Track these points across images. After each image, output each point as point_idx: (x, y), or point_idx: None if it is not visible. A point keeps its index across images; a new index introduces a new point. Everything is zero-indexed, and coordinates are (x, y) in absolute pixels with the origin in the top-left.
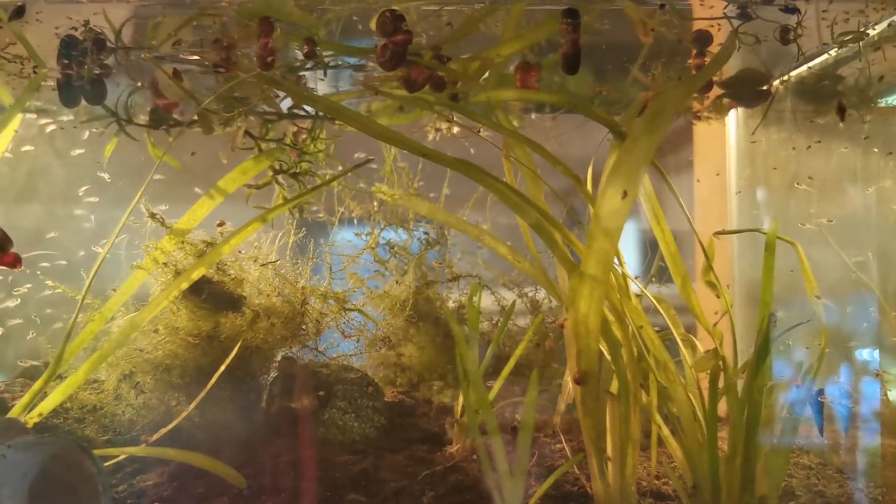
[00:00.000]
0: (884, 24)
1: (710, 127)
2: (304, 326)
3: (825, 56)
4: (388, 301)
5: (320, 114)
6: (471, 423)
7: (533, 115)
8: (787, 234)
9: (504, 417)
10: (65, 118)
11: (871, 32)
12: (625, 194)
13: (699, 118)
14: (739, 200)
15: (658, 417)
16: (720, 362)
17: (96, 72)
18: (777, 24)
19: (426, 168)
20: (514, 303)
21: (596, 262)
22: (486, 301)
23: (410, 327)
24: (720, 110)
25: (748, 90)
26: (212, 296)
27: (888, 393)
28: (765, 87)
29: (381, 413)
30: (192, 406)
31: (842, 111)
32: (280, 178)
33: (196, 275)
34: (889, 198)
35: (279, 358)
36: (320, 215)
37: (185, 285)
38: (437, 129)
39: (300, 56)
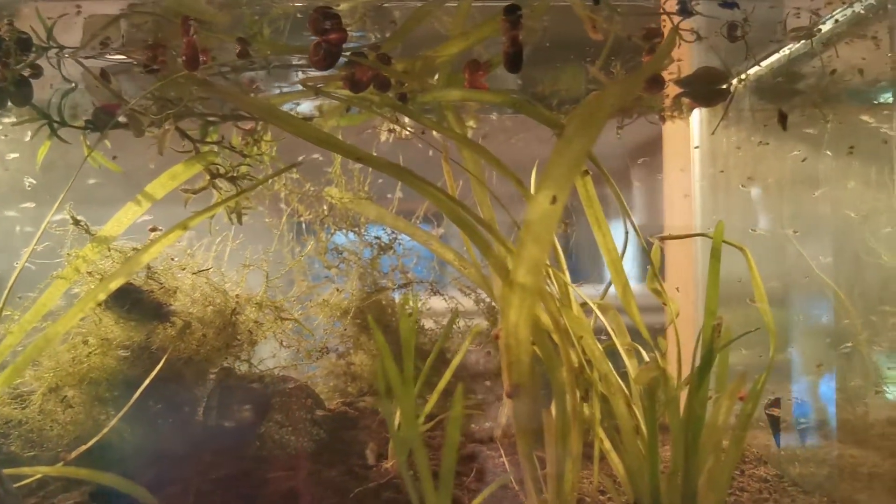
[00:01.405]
0: (838, 17)
1: (677, 126)
2: (238, 337)
3: (783, 53)
4: (327, 310)
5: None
6: (402, 439)
7: (494, 115)
8: (749, 232)
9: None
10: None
11: (823, 28)
12: (554, 199)
13: (663, 118)
14: (703, 200)
15: (601, 431)
16: (661, 374)
17: (25, 73)
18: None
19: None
20: (455, 311)
21: (526, 270)
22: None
23: (361, 334)
24: (683, 109)
25: (706, 89)
26: (136, 306)
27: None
28: (724, 86)
29: (319, 426)
30: (114, 421)
31: (783, 119)
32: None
33: (114, 284)
34: (847, 198)
35: (217, 369)
36: (267, 220)
37: (102, 296)
38: (390, 131)
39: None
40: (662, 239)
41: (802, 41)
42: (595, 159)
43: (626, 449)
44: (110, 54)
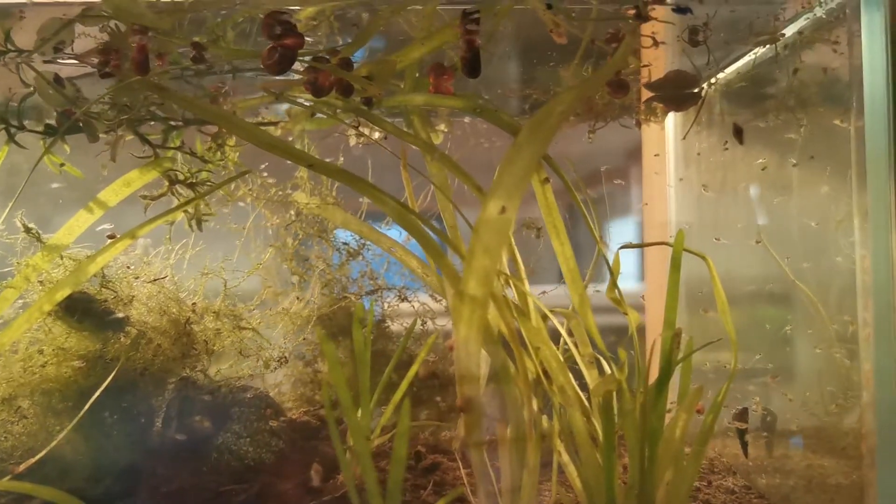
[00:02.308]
0: (796, 26)
1: (654, 129)
2: (195, 347)
3: (750, 57)
4: (287, 319)
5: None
6: (359, 451)
7: (466, 119)
8: (721, 236)
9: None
10: None
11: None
12: (503, 209)
13: (639, 122)
14: (676, 203)
15: (559, 443)
16: (617, 387)
17: None
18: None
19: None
20: (414, 322)
21: (476, 281)
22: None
23: (329, 342)
24: (657, 113)
25: (677, 93)
26: (86, 315)
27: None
28: (695, 90)
29: (279, 436)
30: (63, 432)
31: (738, 133)
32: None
33: (60, 294)
34: (820, 204)
35: (176, 379)
36: (234, 225)
37: (47, 306)
38: (359, 135)
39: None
40: (622, 247)
41: (767, 45)
42: (555, 165)
43: (583, 462)
44: (62, 59)
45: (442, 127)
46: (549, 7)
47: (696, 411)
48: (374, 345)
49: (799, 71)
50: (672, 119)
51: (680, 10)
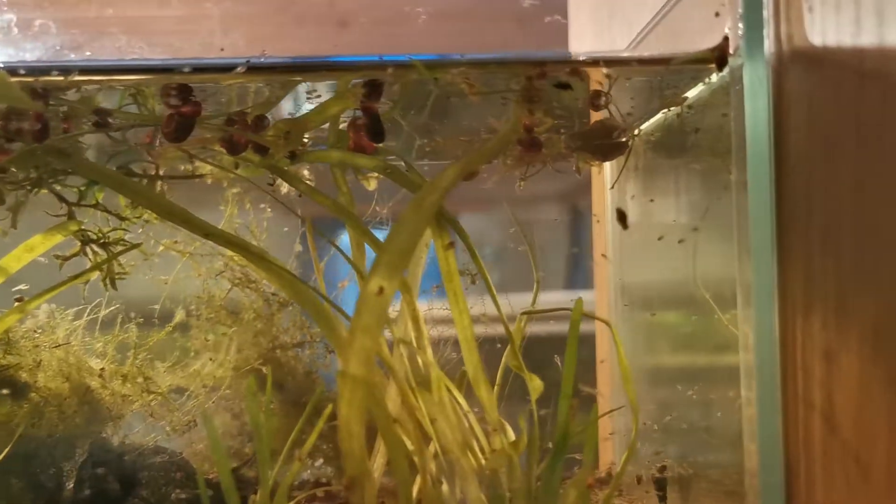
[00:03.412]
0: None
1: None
2: (101, 411)
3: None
4: (198, 380)
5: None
6: None
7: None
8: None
9: None
10: None
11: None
12: (381, 290)
13: (579, 169)
14: (614, 246)
15: None
16: (508, 461)
17: None
18: None
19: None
20: (322, 386)
21: (357, 361)
22: None
23: (259, 392)
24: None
25: (603, 143)
26: None
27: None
28: (622, 139)
29: (189, 501)
30: None
31: (622, 218)
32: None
33: None
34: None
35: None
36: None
37: None
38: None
39: None
40: (524, 313)
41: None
42: (461, 231)
43: None
44: None
45: (372, 185)
46: (436, 80)
47: (588, 486)
48: (303, 397)
49: (700, 131)
50: (608, 166)
51: (561, 86)
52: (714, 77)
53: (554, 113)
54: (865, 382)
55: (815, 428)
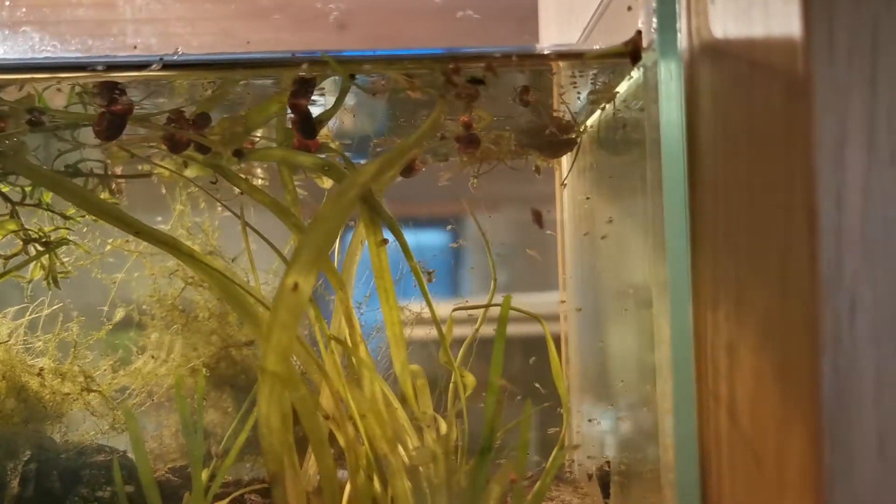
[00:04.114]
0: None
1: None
2: (39, 410)
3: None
4: (140, 379)
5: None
6: None
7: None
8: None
9: None
10: None
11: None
12: (296, 286)
13: (538, 168)
14: (569, 242)
15: None
16: (432, 457)
17: None
18: None
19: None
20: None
21: (275, 357)
22: None
23: (212, 391)
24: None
25: (551, 139)
26: None
27: None
28: (570, 136)
29: (131, 500)
30: None
31: (537, 218)
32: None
33: None
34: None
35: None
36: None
37: None
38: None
39: None
40: (456, 309)
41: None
42: (396, 228)
43: None
44: None
45: (327, 184)
46: (353, 77)
47: (511, 481)
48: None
49: (626, 127)
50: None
51: (475, 81)
52: (634, 73)
53: (515, 111)
54: (758, 374)
55: (722, 421)
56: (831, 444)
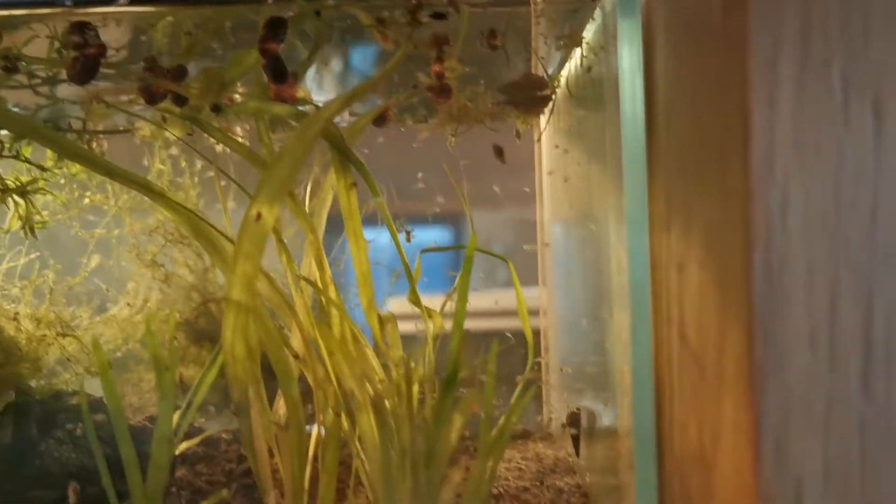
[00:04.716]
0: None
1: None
2: (14, 353)
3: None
4: (114, 326)
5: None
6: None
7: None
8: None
9: None
10: None
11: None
12: (259, 216)
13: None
14: (546, 205)
15: (357, 447)
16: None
17: None
18: None
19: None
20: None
21: (240, 287)
22: None
23: (192, 346)
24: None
25: (527, 95)
26: None
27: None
28: (545, 92)
29: (106, 442)
30: None
31: (499, 153)
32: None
33: None
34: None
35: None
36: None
37: None
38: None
39: None
40: (424, 251)
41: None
42: (366, 173)
43: (373, 467)
44: None
45: None
46: (318, 14)
47: (471, 412)
48: None
49: (592, 69)
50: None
51: (437, 15)
52: (597, 14)
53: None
54: (702, 288)
55: (674, 343)
56: (763, 339)
